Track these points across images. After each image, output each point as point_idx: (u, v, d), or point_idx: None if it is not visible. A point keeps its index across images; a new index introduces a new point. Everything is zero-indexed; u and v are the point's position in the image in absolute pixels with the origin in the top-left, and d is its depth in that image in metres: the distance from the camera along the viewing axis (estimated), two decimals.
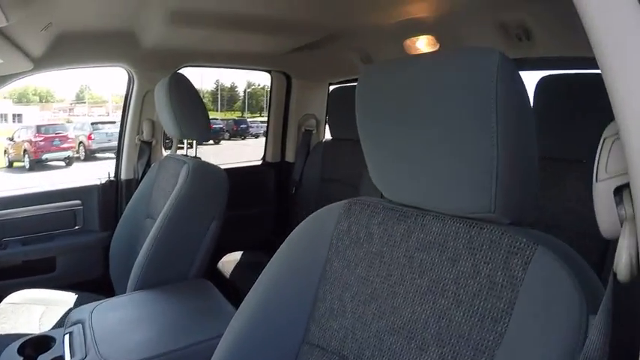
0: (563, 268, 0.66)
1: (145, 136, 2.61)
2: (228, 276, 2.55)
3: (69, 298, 2.07)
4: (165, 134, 2.68)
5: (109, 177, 2.62)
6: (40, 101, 31.11)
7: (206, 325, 1.58)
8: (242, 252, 2.87)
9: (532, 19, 1.80)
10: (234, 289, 2.32)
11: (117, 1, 1.83)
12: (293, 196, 3.14)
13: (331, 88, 3.17)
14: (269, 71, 3.19)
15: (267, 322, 0.98)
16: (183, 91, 2.04)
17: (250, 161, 3.35)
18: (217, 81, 35.18)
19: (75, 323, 1.57)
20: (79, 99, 31.86)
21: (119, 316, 1.61)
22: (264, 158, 3.34)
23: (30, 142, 15.24)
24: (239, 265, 2.69)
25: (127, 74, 2.58)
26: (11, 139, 16.14)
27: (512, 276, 0.71)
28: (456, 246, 0.79)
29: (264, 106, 36.32)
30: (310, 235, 1.02)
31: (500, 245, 0.74)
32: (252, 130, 24.71)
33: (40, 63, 2.15)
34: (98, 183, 2.58)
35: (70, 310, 1.93)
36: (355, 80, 3.04)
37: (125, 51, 2.38)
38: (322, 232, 1.00)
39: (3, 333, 1.78)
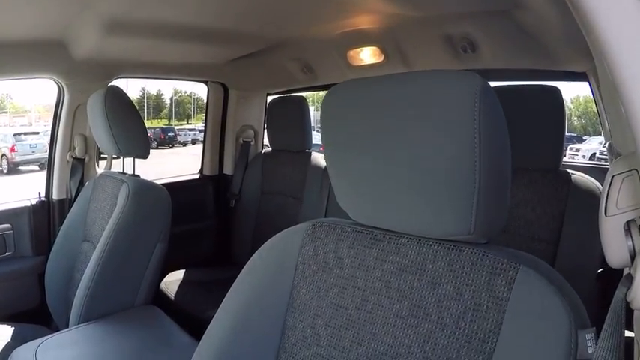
0: (549, 286, 0.68)
1: (78, 153, 2.45)
2: (173, 297, 2.46)
3: (5, 331, 1.92)
4: (99, 150, 2.53)
5: (40, 197, 2.46)
6: None
7: (162, 358, 1.50)
8: (184, 270, 2.77)
9: (477, 32, 1.85)
10: (182, 312, 2.25)
11: (47, 10, 1.72)
12: (233, 210, 3.08)
13: (269, 98, 3.13)
14: (205, 82, 3.11)
15: (233, 357, 0.93)
16: (120, 104, 1.95)
17: (187, 175, 3.26)
18: (143, 88, 34.11)
19: None
20: (0, 109, 30.11)
21: (67, 354, 1.52)
22: (201, 171, 3.25)
23: None
24: (183, 285, 2.60)
25: (56, 86, 2.41)
26: None
27: (496, 297, 0.71)
28: (435, 269, 0.79)
29: (191, 113, 35.73)
30: (272, 261, 0.99)
31: (481, 267, 0.74)
32: (180, 139, 24.39)
33: None
34: (28, 204, 2.41)
35: (8, 344, 1.80)
36: (294, 90, 3.04)
37: (55, 62, 2.23)
38: (285, 256, 0.97)
39: None
